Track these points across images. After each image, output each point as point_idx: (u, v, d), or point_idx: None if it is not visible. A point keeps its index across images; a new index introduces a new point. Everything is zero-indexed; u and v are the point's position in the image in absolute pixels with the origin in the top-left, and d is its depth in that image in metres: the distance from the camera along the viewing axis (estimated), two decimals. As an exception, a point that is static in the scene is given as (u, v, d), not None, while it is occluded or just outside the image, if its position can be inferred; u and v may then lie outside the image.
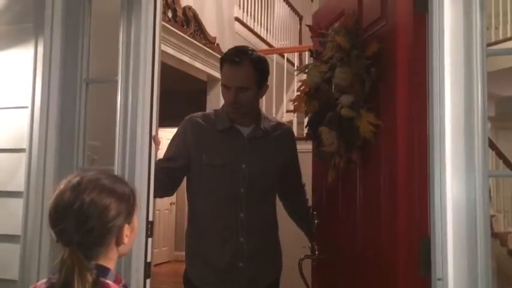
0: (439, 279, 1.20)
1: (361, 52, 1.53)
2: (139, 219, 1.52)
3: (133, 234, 1.14)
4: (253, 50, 1.93)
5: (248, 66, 1.83)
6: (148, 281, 1.57)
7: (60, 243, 1.03)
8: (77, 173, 1.10)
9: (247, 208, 1.87)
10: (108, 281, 1.04)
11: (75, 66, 1.66)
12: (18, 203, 1.67)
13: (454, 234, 1.21)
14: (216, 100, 4.45)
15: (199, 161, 1.88)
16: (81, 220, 1.03)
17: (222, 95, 1.92)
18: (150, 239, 1.58)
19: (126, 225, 1.09)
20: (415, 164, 1.35)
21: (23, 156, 1.68)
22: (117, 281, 1.07)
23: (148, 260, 1.57)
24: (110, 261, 1.09)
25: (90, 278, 1.00)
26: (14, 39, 1.78)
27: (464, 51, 1.23)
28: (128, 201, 1.11)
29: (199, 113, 2.00)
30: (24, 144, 1.68)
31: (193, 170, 1.90)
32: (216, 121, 1.93)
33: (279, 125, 2.06)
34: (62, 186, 1.07)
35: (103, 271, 1.05)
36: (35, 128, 1.66)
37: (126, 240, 1.10)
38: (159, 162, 1.77)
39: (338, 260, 1.82)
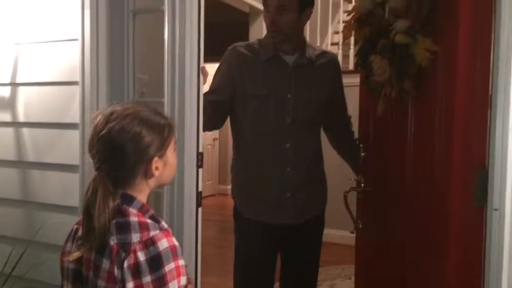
0: (495, 210, 1.18)
1: (420, -28, 1.42)
2: (190, 151, 1.57)
3: (167, 169, 1.10)
4: None
5: None
6: (200, 209, 1.63)
7: (93, 167, 1.05)
8: (117, 104, 1.09)
9: (293, 138, 1.87)
10: (130, 209, 1.03)
11: (121, -4, 1.65)
12: (74, 134, 1.74)
13: (514, 165, 1.17)
14: (258, 33, 4.35)
15: (244, 91, 1.87)
16: (109, 147, 1.02)
17: (263, 18, 1.87)
18: (200, 170, 1.62)
19: (156, 158, 1.06)
20: (476, 94, 1.29)
21: (77, 89, 1.72)
22: (142, 210, 1.05)
23: (200, 189, 1.62)
24: (139, 193, 1.07)
25: (111, 203, 1.00)
26: (60, -30, 1.77)
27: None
28: (161, 133, 1.07)
29: (243, 43, 1.95)
30: (77, 77, 1.71)
31: (238, 101, 1.89)
32: (260, 50, 1.89)
33: (324, 53, 2.00)
34: (99, 114, 1.07)
35: (127, 199, 1.04)
36: (86, 61, 1.68)
37: (156, 173, 1.07)
38: (205, 96, 1.77)
39: (385, 191, 1.81)
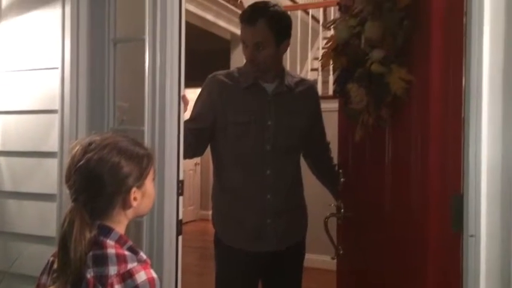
0: (471, 236, 1.19)
1: (394, 4, 1.47)
2: (170, 179, 1.57)
3: (145, 200, 1.10)
4: (272, 5, 1.88)
5: (263, 26, 1.80)
6: (180, 237, 1.61)
7: (70, 198, 1.04)
8: (95, 134, 1.09)
9: (273, 165, 1.88)
10: (107, 240, 1.02)
11: (102, 26, 1.66)
12: (53, 163, 1.72)
13: (488, 191, 1.19)
14: (239, 59, 4.39)
15: (225, 119, 1.88)
16: (86, 177, 1.02)
17: (243, 51, 1.91)
18: (181, 197, 1.61)
19: (135, 188, 1.06)
20: (449, 121, 1.32)
21: (56, 117, 1.71)
22: (120, 241, 1.04)
23: (180, 217, 1.61)
24: (117, 223, 1.06)
25: (88, 234, 0.99)
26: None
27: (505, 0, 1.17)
28: (140, 163, 1.07)
29: (223, 71, 1.98)
30: (56, 106, 1.71)
31: (219, 129, 1.91)
32: (240, 78, 1.92)
33: (303, 81, 2.04)
34: (77, 144, 1.06)
35: (105, 230, 1.03)
36: (65, 89, 1.68)
37: (134, 203, 1.06)
38: (185, 123, 1.79)
39: (365, 217, 1.83)
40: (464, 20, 1.22)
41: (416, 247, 1.41)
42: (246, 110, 1.89)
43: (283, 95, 1.92)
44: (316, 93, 2.10)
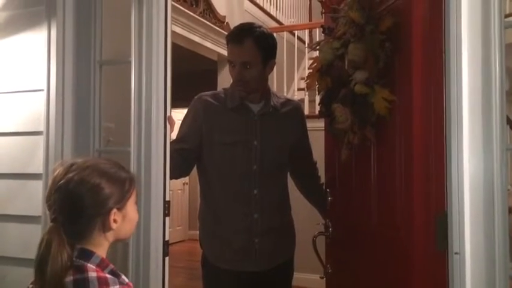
0: (456, 253, 1.20)
1: (375, 27, 1.51)
2: (156, 200, 1.56)
3: (127, 223, 1.09)
4: (258, 26, 1.92)
5: (251, 45, 1.83)
6: (166, 259, 1.60)
7: (49, 218, 1.03)
8: (79, 157, 1.09)
9: (260, 185, 1.88)
10: (88, 264, 1.01)
11: (88, 48, 1.67)
12: (37, 185, 1.70)
13: (471, 209, 1.21)
14: (227, 80, 4.42)
15: (211, 139, 1.89)
16: (66, 197, 1.01)
17: (229, 71, 1.93)
18: (167, 218, 1.60)
19: (115, 210, 1.05)
20: (432, 140, 1.35)
21: (41, 139, 1.70)
22: (102, 265, 1.03)
23: (166, 238, 1.60)
24: (98, 247, 1.05)
25: (66, 255, 0.98)
26: (27, 22, 1.78)
27: (482, 24, 1.21)
28: (122, 185, 1.07)
29: (209, 92, 2.00)
30: (42, 127, 1.70)
31: (205, 149, 1.92)
32: (226, 99, 1.94)
33: (288, 101, 2.06)
34: (60, 166, 1.07)
35: (86, 254, 1.02)
36: (51, 111, 1.68)
37: (114, 226, 1.05)
38: (172, 144, 1.79)
39: (352, 236, 1.83)
40: (443, 41, 1.26)
41: (402, 265, 1.42)
42: (232, 130, 1.90)
43: (269, 115, 1.94)
44: (302, 113, 2.13)
